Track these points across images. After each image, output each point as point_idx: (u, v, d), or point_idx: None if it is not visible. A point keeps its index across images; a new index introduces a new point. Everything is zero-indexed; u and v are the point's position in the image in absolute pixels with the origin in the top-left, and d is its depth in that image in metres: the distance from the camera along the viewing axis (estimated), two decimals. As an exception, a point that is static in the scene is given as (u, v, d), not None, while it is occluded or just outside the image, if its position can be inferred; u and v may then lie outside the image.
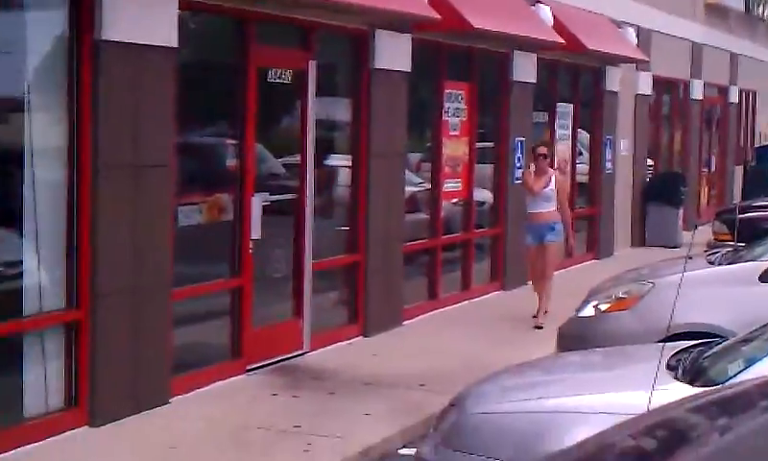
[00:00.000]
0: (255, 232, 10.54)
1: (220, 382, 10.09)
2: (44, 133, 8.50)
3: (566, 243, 13.55)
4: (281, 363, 10.94)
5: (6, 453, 7.92)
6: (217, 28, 10.71)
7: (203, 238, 10.32)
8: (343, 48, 12.41)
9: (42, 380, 8.50)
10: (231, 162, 10.59)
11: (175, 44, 9.34)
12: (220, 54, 10.84)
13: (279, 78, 11.06)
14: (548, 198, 13.15)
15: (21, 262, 8.40)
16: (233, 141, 10.56)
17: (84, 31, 8.61)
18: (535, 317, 13.14)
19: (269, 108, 11.02)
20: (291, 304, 11.43)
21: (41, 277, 8.49)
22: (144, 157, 9.11)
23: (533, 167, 13.53)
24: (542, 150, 13.43)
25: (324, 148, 12.06)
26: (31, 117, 8.37)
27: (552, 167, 13.99)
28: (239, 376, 10.37)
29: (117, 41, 8.77)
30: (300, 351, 11.30)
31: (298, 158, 11.44)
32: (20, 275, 8.38)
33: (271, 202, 10.89)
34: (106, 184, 8.74)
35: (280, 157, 11.65)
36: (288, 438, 8.68)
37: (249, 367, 10.54)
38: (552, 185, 13.18)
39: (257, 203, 10.59)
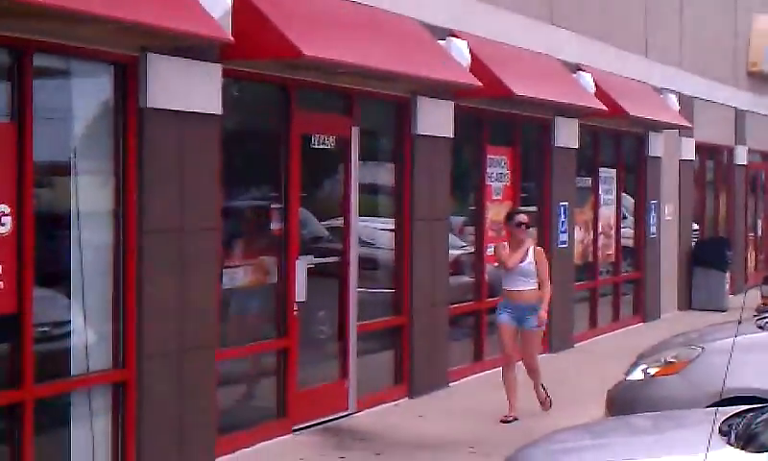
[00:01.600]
0: (300, 295, 10.63)
1: (265, 442, 10.13)
2: (90, 197, 8.65)
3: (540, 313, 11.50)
4: (327, 424, 10.97)
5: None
6: (260, 95, 10.89)
7: (248, 300, 10.43)
8: (385, 114, 12.56)
9: (90, 439, 8.59)
10: (276, 226, 10.71)
11: (219, 111, 9.51)
12: (264, 120, 11.00)
13: (323, 143, 11.21)
14: (526, 273, 11.43)
15: (69, 322, 8.53)
16: (278, 205, 10.69)
17: (130, 98, 8.79)
18: (506, 417, 11.40)
19: (312, 172, 11.17)
20: (336, 366, 11.49)
21: (88, 337, 8.61)
22: (190, 220, 9.24)
23: (505, 244, 11.76)
24: (522, 218, 11.65)
25: (368, 211, 12.18)
26: (77, 181, 8.54)
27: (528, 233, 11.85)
28: (285, 437, 10.41)
29: (162, 108, 8.95)
30: (345, 412, 11.34)
31: (341, 222, 11.57)
32: (68, 335, 8.51)
33: (315, 264, 11.00)
34: (152, 247, 8.88)
35: (324, 221, 11.78)
36: (335, 498, 8.71)
37: (294, 427, 10.59)
38: (530, 259, 11.49)
39: (302, 265, 10.70)
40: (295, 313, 10.62)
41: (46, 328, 8.29)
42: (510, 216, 11.81)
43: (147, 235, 8.84)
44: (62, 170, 8.52)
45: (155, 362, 8.89)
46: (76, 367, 8.53)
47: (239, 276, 10.22)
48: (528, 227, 11.73)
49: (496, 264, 12.04)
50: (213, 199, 9.53)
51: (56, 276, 8.47)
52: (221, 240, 9.69)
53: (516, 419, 11.32)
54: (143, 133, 8.81)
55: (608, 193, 18.13)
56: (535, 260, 11.50)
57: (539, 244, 12.68)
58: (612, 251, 18.37)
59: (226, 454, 9.62)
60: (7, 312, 7.80)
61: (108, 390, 8.77)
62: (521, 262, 11.43)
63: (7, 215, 7.78)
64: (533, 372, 11.75)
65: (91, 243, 8.62)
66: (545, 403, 11.85)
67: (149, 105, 8.82)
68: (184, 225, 9.20)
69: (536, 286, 11.46)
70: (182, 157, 9.18)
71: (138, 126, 8.80)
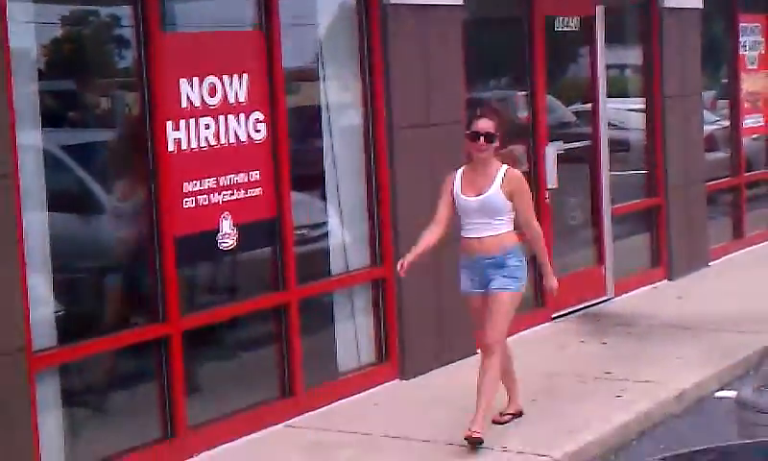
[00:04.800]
0: (551, 181, 10.51)
1: (526, 331, 10.12)
2: (339, 99, 8.75)
3: (542, 283, 8.00)
4: (586, 310, 10.89)
5: (324, 407, 8.27)
6: (501, -20, 10.72)
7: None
8: (630, -10, 12.18)
9: (353, 335, 8.80)
10: (523, 114, 10.58)
11: (461, 1, 9.40)
12: (505, 5, 10.82)
13: (566, 25, 10.96)
14: (490, 210, 7.33)
15: (326, 224, 8.72)
16: (523, 93, 10.55)
17: (371, -4, 8.80)
18: (500, 415, 7.82)
19: (557, 56, 10.95)
20: (592, 251, 11.35)
21: (345, 237, 8.78)
22: (436, 115, 9.21)
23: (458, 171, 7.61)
24: (483, 124, 7.39)
25: (616, 93, 11.88)
26: (325, 84, 8.64)
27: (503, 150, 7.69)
28: (545, 325, 10.40)
29: (403, 3, 8.90)
30: (603, 298, 11.22)
31: (589, 106, 11.33)
32: (326, 236, 8.70)
33: (564, 150, 10.83)
34: (401, 144, 8.91)
35: (571, 106, 11.57)
36: (600, 384, 8.63)
37: (554, 315, 10.55)
38: (496, 187, 7.36)
39: (551, 152, 10.56)
40: (546, 200, 10.51)
41: (305, 231, 8.48)
42: (469, 122, 7.58)
43: (396, 132, 8.87)
44: (310, 75, 8.63)
45: (411, 258, 8.96)
46: (336, 267, 8.71)
47: (489, 166, 10.16)
48: (492, 138, 7.39)
49: None
50: (459, 91, 9.46)
51: (310, 179, 8.63)
52: (469, 132, 9.63)
53: (516, 415, 7.87)
54: (387, 29, 8.80)
55: None
56: (505, 191, 7.34)
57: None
58: None
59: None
60: (267, 217, 8.01)
61: (368, 287, 8.93)
62: (482, 193, 7.37)
63: (261, 122, 7.95)
64: (491, 356, 7.45)
65: (342, 145, 8.74)
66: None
67: (390, 0, 8.78)
68: (431, 119, 9.18)
69: (507, 229, 7.40)
70: (427, 50, 9.13)
71: (382, 23, 8.79)
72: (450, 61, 9.36)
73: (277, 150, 8.04)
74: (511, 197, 7.34)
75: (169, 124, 7.32)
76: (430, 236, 7.54)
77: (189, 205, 7.47)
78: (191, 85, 7.48)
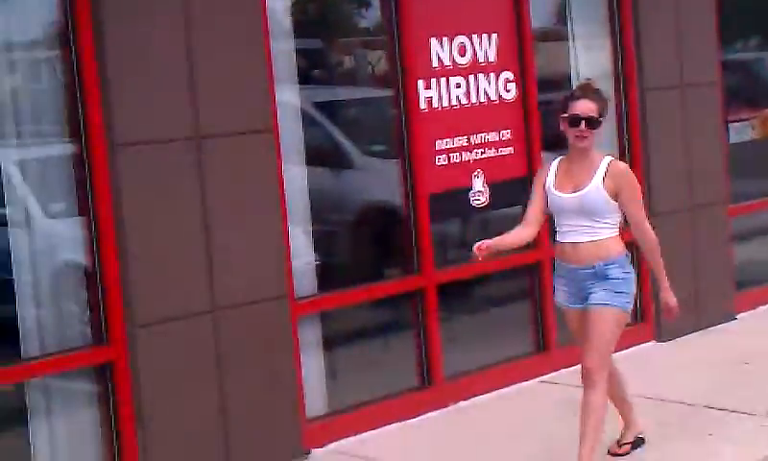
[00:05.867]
0: (812, 147, 10.19)
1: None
2: (587, 59, 8.73)
3: (661, 299, 6.30)
4: None
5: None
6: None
7: (757, 154, 10.12)
8: None
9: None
10: (780, 76, 10.31)
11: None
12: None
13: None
14: (589, 210, 5.97)
15: (579, 184, 8.68)
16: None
17: (621, -41, 8.75)
18: (617, 446, 6.57)
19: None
20: None
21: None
22: (690, 75, 9.07)
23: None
24: (584, 107, 5.98)
25: None
26: (574, 45, 8.67)
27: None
28: None
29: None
30: None
31: None
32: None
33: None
34: (653, 106, 8.82)
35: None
36: None
37: None
38: (597, 183, 5.95)
39: (810, 116, 10.24)
40: (806, 167, 10.19)
41: (556, 191, 8.48)
42: (565, 99, 6.15)
43: (648, 93, 8.78)
44: (558, 34, 8.67)
45: (664, 219, 8.83)
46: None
47: (745, 130, 9.94)
48: (595, 123, 5.99)
49: None
50: (712, 51, 9.28)
51: (561, 138, 8.59)
52: (723, 94, 9.42)
53: (636, 442, 6.60)
54: (635, -10, 8.76)
55: None
56: (608, 187, 5.96)
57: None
58: None
59: (745, 310, 9.44)
60: (518, 176, 8.08)
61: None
62: (580, 189, 5.99)
63: (511, 82, 8.04)
64: (594, 388, 6.05)
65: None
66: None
67: (640, -37, 8.74)
68: (684, 80, 9.04)
69: (611, 234, 6.01)
70: (678, 9, 9.00)
71: (629, -16, 8.76)
72: (703, 21, 9.19)
73: (528, 109, 8.11)
74: (615, 195, 5.95)
75: (420, 83, 7.50)
76: (517, 238, 6.13)
77: (442, 162, 7.63)
78: (441, 45, 7.64)
